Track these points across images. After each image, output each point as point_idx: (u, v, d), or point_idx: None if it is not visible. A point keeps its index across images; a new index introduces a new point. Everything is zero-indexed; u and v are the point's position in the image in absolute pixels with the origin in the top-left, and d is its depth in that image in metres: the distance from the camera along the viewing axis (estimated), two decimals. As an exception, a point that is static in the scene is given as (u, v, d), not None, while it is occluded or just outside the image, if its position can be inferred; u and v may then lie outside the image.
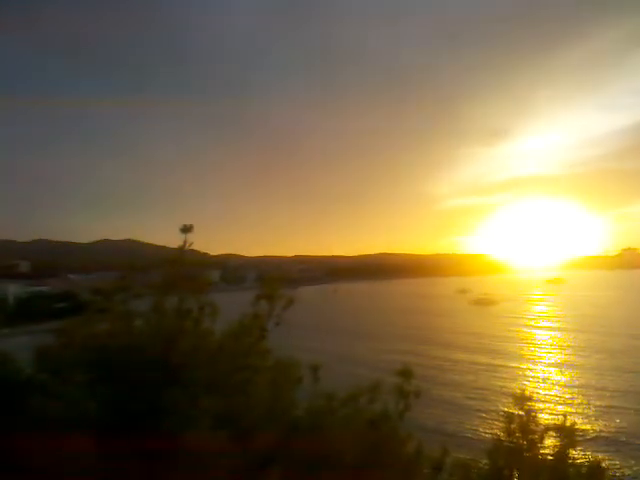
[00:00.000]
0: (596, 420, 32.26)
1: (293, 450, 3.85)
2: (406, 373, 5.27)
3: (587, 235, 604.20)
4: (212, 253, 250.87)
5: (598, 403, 36.07)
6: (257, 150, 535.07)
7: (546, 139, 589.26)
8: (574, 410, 34.15)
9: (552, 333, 71.90)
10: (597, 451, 23.73)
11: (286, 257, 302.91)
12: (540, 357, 54.48)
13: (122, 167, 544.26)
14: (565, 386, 42.19)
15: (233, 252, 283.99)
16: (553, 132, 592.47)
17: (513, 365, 49.78)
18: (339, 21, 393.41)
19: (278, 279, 5.10)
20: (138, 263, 5.23)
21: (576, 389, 40.78)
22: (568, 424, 6.18)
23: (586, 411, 34.40)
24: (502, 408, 32.42)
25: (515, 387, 38.40)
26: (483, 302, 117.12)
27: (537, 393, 38.99)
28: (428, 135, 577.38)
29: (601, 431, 30.24)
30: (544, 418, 5.91)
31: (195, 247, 5.04)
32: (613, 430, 30.38)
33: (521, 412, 5.66)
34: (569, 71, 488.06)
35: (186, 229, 5.01)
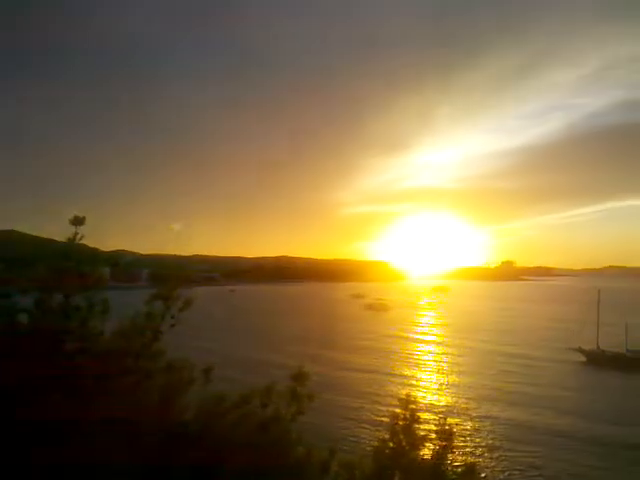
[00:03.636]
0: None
1: (183, 454, 3.76)
2: (300, 376, 5.35)
3: (471, 247, 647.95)
4: (103, 248, 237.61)
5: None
6: (161, 146, 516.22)
7: (441, 154, 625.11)
8: (448, 406, 36.69)
9: (433, 341, 76.08)
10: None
11: (183, 256, 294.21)
12: (422, 364, 56.97)
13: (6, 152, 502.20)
14: (445, 389, 44.65)
15: (126, 248, 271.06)
16: (448, 148, 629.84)
17: (393, 371, 51.21)
18: (248, 25, 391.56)
19: (175, 278, 4.96)
20: (22, 256, 4.87)
21: (453, 391, 43.56)
22: (447, 427, 6.56)
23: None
24: (384, 411, 33.92)
25: (395, 390, 40.29)
26: (375, 308, 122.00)
27: (419, 397, 40.91)
28: (332, 143, 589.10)
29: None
30: (426, 420, 6.23)
31: (85, 241, 4.76)
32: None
33: (405, 414, 5.92)
34: (464, 93, 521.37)
35: (77, 221, 4.69)
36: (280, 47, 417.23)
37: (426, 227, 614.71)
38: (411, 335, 78.34)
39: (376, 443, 5.81)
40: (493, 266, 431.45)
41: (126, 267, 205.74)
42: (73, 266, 4.59)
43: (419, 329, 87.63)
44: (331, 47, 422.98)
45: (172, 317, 4.58)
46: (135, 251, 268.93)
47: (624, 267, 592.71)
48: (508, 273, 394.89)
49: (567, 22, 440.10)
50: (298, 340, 67.60)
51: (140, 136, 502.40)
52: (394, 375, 48.73)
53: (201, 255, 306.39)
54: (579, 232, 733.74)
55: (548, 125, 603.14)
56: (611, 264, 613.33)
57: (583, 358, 57.37)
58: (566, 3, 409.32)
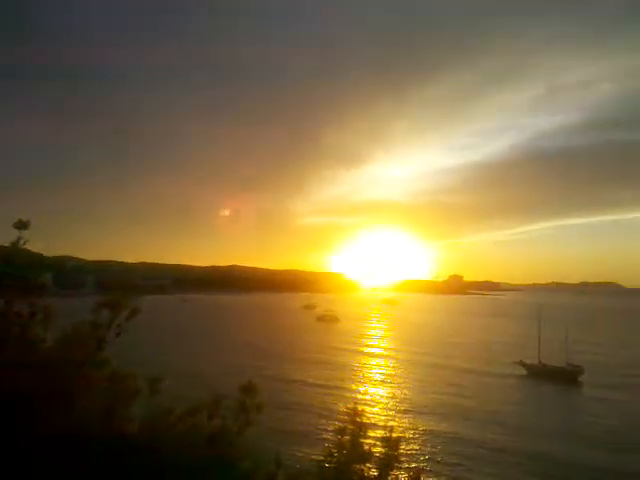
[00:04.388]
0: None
1: (126, 468, 3.65)
2: (249, 388, 5.29)
3: (421, 260, 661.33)
4: (47, 253, 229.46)
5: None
6: (111, 150, 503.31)
7: (395, 169, 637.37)
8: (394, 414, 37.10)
9: (379, 354, 76.95)
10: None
11: (130, 263, 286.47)
12: (365, 378, 57.31)
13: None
14: (386, 403, 45.00)
15: (70, 254, 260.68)
16: (401, 163, 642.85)
17: (334, 384, 50.94)
18: (212, 33, 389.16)
19: (122, 286, 4.85)
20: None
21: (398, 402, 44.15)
22: (393, 437, 6.62)
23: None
24: (323, 424, 33.99)
25: (334, 404, 40.39)
26: (326, 319, 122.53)
27: (365, 408, 41.24)
28: (288, 153, 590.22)
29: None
30: (373, 431, 6.27)
31: (29, 246, 4.57)
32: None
33: (351, 426, 5.94)
34: (418, 110, 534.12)
35: (21, 225, 4.51)
36: (239, 60, 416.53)
37: (378, 240, 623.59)
38: (358, 348, 78.69)
39: (321, 457, 5.82)
40: (441, 280, 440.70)
41: (71, 273, 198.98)
42: (15, 271, 4.41)
43: (366, 341, 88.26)
44: (289, 61, 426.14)
45: (118, 326, 4.46)
46: (81, 257, 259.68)
47: (566, 283, 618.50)
48: (456, 287, 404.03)
49: (519, 47, 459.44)
50: (243, 351, 67.21)
51: (89, 139, 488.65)
52: (335, 388, 48.54)
53: (149, 262, 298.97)
54: (525, 248, 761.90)
55: (498, 144, 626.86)
56: (554, 280, 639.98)
57: (525, 372, 59.20)
58: (517, 29, 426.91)
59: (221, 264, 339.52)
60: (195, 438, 4.73)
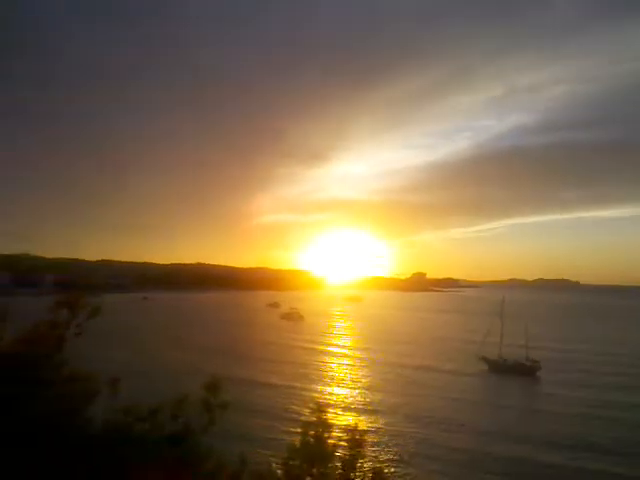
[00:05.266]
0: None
1: (87, 468, 3.58)
2: (213, 386, 5.26)
3: (384, 258, 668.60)
4: (4, 251, 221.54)
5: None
6: (72, 146, 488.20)
7: (358, 167, 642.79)
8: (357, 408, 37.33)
9: (342, 353, 77.38)
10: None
11: (90, 261, 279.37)
12: (326, 377, 57.32)
13: None
14: (348, 401, 45.19)
15: (27, 252, 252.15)
16: (364, 161, 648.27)
17: (295, 384, 50.67)
18: (170, 34, 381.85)
19: (81, 285, 4.74)
20: None
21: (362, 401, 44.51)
22: (358, 433, 6.69)
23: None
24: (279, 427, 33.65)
25: (294, 404, 40.24)
26: (290, 317, 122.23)
27: (327, 409, 41.39)
28: (251, 150, 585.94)
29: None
30: (337, 427, 6.32)
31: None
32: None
33: (316, 422, 5.98)
34: (379, 110, 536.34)
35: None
36: (202, 59, 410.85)
37: (343, 237, 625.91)
38: (321, 347, 78.36)
39: (285, 455, 5.82)
40: (404, 277, 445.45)
41: (29, 272, 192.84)
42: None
43: (330, 340, 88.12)
44: (250, 57, 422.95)
45: (78, 325, 4.36)
46: (39, 255, 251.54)
47: (525, 280, 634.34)
48: (419, 284, 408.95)
49: (475, 49, 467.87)
50: (202, 351, 66.33)
51: (52, 136, 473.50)
52: (295, 389, 48.02)
53: (110, 260, 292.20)
54: (484, 246, 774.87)
55: (456, 144, 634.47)
56: (513, 277, 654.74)
57: (486, 367, 60.49)
58: (473, 32, 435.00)
59: (186, 262, 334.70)
60: (158, 437, 4.67)
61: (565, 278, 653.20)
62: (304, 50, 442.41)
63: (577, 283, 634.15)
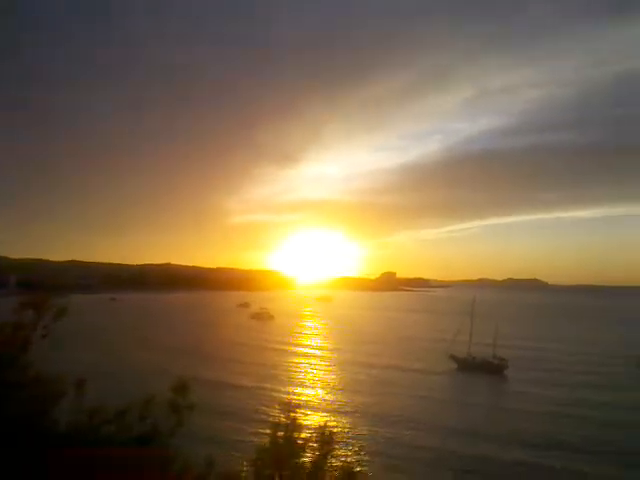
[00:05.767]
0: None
1: (55, 467, 3.56)
2: (181, 388, 5.26)
3: (355, 258, 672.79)
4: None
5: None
6: (38, 144, 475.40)
7: (330, 168, 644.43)
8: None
9: (311, 354, 77.58)
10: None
11: (57, 262, 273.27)
12: (295, 378, 56.76)
13: None
14: (316, 402, 45.20)
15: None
16: (336, 162, 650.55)
17: (264, 385, 50.06)
18: (139, 32, 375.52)
19: (47, 286, 4.70)
20: None
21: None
22: (328, 431, 6.78)
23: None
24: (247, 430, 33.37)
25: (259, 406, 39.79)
26: (261, 317, 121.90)
27: (299, 403, 41.36)
28: (222, 151, 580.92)
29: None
30: (306, 427, 6.39)
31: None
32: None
33: (285, 422, 6.04)
34: (351, 111, 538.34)
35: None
36: (172, 59, 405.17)
37: (313, 238, 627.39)
38: (291, 347, 78.08)
39: (254, 454, 5.86)
40: (374, 277, 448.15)
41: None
42: None
43: (300, 340, 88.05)
44: (224, 57, 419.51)
45: (44, 327, 4.32)
46: (3, 255, 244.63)
47: (495, 280, 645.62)
48: (389, 284, 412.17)
49: (446, 53, 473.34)
50: (173, 352, 65.46)
51: (16, 135, 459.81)
52: (264, 389, 47.63)
53: (78, 261, 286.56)
54: (455, 246, 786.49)
55: (428, 146, 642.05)
56: (483, 277, 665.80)
57: (455, 365, 61.40)
58: (445, 35, 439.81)
59: (155, 262, 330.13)
60: (125, 439, 4.66)
61: (535, 278, 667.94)
62: (279, 51, 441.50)
63: (546, 283, 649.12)
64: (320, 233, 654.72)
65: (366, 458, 29.66)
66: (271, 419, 6.17)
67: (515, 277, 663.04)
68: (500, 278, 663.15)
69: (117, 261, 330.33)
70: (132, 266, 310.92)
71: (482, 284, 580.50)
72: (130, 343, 73.07)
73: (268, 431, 6.49)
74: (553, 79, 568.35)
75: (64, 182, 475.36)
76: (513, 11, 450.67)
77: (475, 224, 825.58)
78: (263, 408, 39.09)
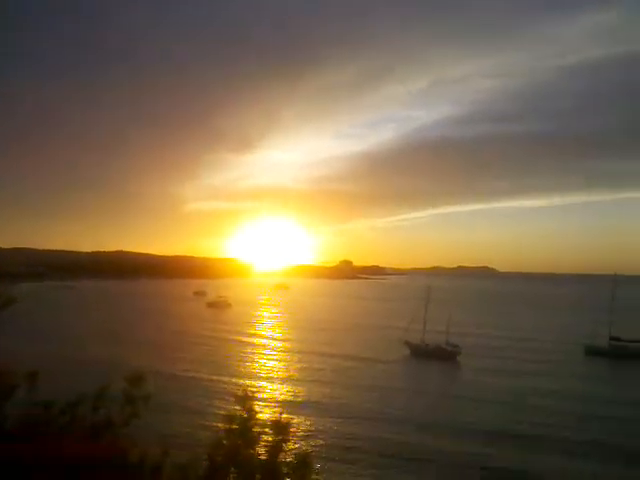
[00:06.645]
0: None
1: (6, 465, 3.52)
2: (136, 379, 5.25)
3: (312, 246, 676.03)
4: None
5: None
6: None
7: (288, 155, 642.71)
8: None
9: (265, 344, 77.73)
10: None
11: (3, 248, 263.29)
12: (247, 369, 56.01)
13: None
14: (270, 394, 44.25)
15: None
16: (294, 150, 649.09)
17: (214, 377, 49.04)
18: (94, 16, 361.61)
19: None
20: None
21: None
22: (283, 421, 6.89)
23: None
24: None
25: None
26: (217, 305, 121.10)
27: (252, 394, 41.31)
28: (176, 135, 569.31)
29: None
30: (260, 418, 6.45)
31: None
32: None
33: (241, 412, 6.09)
34: (309, 98, 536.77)
35: None
36: (128, 43, 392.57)
37: (271, 225, 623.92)
38: (246, 336, 77.31)
39: (209, 443, 5.90)
40: (332, 265, 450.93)
41: None
42: None
43: (256, 329, 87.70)
44: (180, 43, 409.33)
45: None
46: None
47: (445, 267, 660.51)
48: (346, 272, 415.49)
49: (403, 42, 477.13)
50: (125, 343, 63.94)
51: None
52: (216, 381, 46.73)
53: (26, 248, 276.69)
54: (410, 234, 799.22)
55: (384, 134, 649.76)
56: (435, 265, 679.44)
57: (408, 352, 62.63)
58: (402, 24, 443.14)
59: (107, 249, 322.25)
60: (78, 431, 4.63)
61: (485, 266, 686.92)
62: (235, 37, 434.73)
63: (497, 271, 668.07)
64: (277, 220, 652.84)
65: (316, 449, 28.98)
66: (223, 412, 6.20)
67: (466, 265, 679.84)
68: (452, 266, 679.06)
69: (67, 248, 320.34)
70: (83, 253, 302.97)
71: (435, 272, 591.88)
72: (81, 334, 70.64)
73: (220, 424, 6.52)
74: (505, 70, 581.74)
75: (9, 165, 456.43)
76: (467, 3, 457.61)
77: (428, 212, 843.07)
78: (215, 400, 38.47)
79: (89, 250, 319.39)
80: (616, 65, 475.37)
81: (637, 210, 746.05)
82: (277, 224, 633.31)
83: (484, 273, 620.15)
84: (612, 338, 65.16)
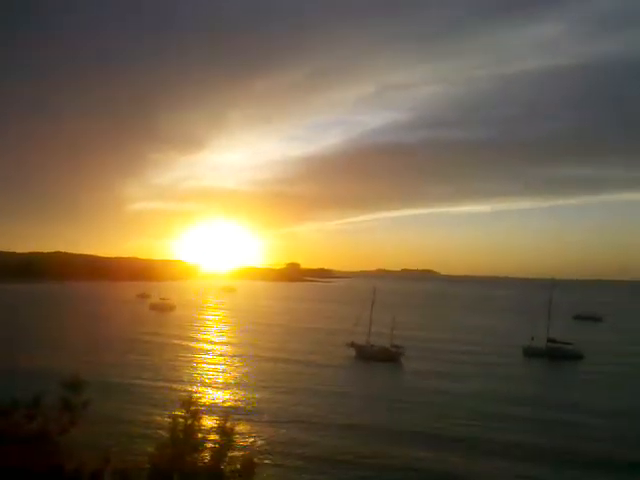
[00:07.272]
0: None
1: None
2: (74, 384, 5.07)
3: (259, 248, 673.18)
4: None
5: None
6: None
7: (235, 156, 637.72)
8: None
9: (209, 349, 77.11)
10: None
11: None
12: (188, 376, 53.08)
13: None
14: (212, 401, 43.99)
15: None
16: (241, 151, 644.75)
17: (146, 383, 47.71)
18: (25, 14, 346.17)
19: None
20: None
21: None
22: (228, 426, 6.81)
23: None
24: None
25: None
26: (160, 308, 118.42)
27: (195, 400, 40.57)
28: (117, 134, 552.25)
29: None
30: (206, 421, 6.37)
31: None
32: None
33: (186, 416, 6.00)
34: (256, 100, 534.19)
35: None
36: (70, 42, 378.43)
37: (217, 227, 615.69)
38: (189, 341, 75.15)
39: (152, 449, 5.77)
40: (279, 267, 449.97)
41: None
42: None
43: (199, 333, 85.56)
44: (122, 39, 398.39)
45: None
46: None
47: (390, 270, 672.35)
48: (293, 274, 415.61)
49: (350, 47, 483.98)
50: (62, 349, 60.27)
51: None
52: (158, 388, 45.17)
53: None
54: (355, 238, 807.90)
55: (331, 138, 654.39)
56: (380, 267, 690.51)
57: (353, 353, 63.25)
58: (347, 33, 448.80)
59: (43, 250, 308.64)
60: (12, 439, 4.41)
61: (428, 269, 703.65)
62: (180, 35, 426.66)
63: (439, 274, 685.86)
64: (224, 222, 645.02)
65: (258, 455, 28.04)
66: (165, 419, 6.06)
67: (410, 268, 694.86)
68: (397, 269, 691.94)
69: (0, 248, 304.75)
70: (17, 254, 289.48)
71: (380, 274, 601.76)
72: (12, 339, 66.74)
73: (161, 432, 6.36)
74: (446, 77, 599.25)
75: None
76: (411, 9, 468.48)
77: (375, 216, 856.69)
78: (155, 410, 36.82)
79: (24, 251, 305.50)
80: (559, 76, 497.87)
81: (574, 216, 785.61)
82: (223, 226, 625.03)
83: (426, 276, 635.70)
84: (549, 340, 68.00)
